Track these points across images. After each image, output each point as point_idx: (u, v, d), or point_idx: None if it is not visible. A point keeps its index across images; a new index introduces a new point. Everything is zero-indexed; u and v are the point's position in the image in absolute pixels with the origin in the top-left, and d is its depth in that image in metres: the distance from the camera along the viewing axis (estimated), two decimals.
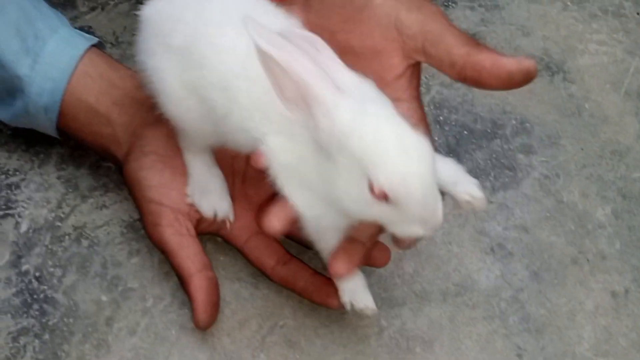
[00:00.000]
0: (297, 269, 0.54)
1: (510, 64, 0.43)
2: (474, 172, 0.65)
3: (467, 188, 0.46)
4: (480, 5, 0.79)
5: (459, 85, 0.71)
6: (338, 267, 0.46)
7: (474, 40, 0.45)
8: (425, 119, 0.48)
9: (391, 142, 0.39)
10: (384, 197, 0.39)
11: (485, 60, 0.43)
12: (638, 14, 0.79)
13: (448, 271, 0.58)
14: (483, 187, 0.62)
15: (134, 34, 0.74)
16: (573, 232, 0.61)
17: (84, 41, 0.57)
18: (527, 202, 0.63)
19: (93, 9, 0.77)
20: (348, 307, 0.50)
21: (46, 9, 0.58)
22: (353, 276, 0.49)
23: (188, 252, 0.52)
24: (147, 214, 0.53)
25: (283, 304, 0.56)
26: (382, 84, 0.45)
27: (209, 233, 0.56)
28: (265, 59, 0.40)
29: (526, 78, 0.43)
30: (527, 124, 0.68)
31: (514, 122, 0.69)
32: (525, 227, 0.61)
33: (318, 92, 0.39)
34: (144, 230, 0.55)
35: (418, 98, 0.48)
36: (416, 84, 0.48)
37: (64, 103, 0.55)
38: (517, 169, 0.65)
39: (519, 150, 0.66)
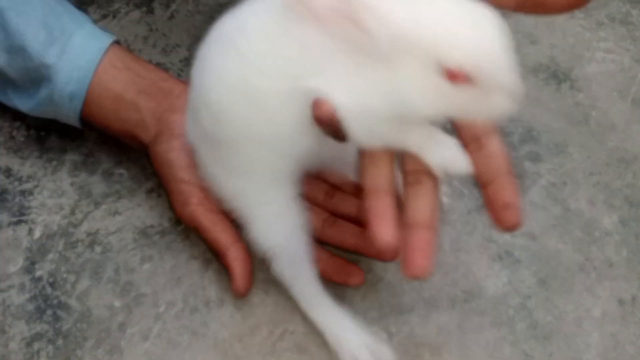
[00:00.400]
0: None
1: None
2: None
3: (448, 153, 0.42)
4: None
5: None
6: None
7: None
8: None
9: (458, 19, 0.36)
10: (463, 78, 0.36)
11: None
12: None
13: (456, 278, 0.59)
14: None
15: (145, 42, 0.75)
16: (580, 239, 0.61)
17: (108, 36, 0.60)
18: (534, 209, 0.63)
19: (104, 16, 0.78)
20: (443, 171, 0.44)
21: (70, 6, 0.60)
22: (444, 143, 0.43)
23: (222, 226, 0.54)
24: (178, 194, 0.55)
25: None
26: None
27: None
28: (303, 8, 0.37)
29: None
30: (534, 132, 0.69)
31: (521, 130, 0.69)
32: (532, 235, 0.62)
33: (364, 1, 0.36)
34: (173, 210, 0.57)
35: None
36: None
37: (90, 91, 0.57)
38: (525, 176, 0.66)
39: (526, 158, 0.67)
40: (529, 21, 0.79)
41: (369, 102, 0.39)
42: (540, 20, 0.79)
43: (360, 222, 0.58)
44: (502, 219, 0.43)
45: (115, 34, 0.62)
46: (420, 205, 0.44)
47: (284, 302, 0.56)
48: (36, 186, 0.63)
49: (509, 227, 0.43)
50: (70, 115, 0.59)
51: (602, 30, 0.78)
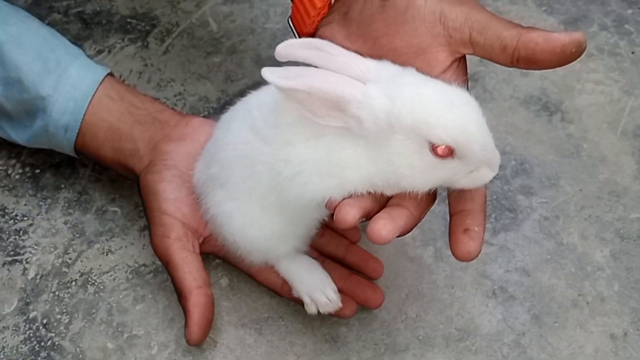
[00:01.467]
0: None
1: (562, 37, 0.42)
2: None
3: None
4: None
5: None
6: (380, 228, 0.43)
7: (519, 24, 0.45)
8: None
9: (436, 100, 0.41)
10: (448, 153, 0.41)
11: (537, 37, 0.43)
12: (633, 53, 0.80)
13: (451, 315, 0.59)
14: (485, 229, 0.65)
15: (140, 77, 0.76)
16: (573, 274, 0.62)
17: (103, 68, 0.61)
18: (527, 244, 0.63)
19: (100, 52, 0.79)
20: (313, 309, 0.52)
21: (64, 39, 0.62)
22: (313, 275, 0.51)
23: (191, 268, 0.53)
24: (158, 225, 0.55)
25: (287, 351, 0.56)
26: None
27: (213, 253, 0.58)
28: (289, 93, 0.42)
29: (578, 49, 0.43)
30: (527, 165, 0.70)
31: (513, 162, 0.70)
32: (526, 270, 0.62)
33: (346, 93, 0.41)
34: (150, 241, 0.56)
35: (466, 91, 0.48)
36: (463, 76, 0.49)
37: (84, 122, 0.58)
38: (518, 210, 0.66)
39: (519, 192, 0.67)
40: None
41: (368, 179, 0.44)
42: None
43: (347, 264, 0.58)
44: (460, 242, 0.45)
45: (110, 69, 0.63)
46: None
47: (278, 342, 0.56)
48: (30, 225, 0.63)
49: (465, 253, 0.45)
50: (65, 145, 0.60)
51: (591, 62, 0.79)
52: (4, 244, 0.62)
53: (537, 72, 0.78)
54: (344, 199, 0.45)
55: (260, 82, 0.80)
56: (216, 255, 0.59)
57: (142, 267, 0.60)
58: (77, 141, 0.59)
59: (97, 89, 0.59)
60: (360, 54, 0.46)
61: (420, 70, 0.46)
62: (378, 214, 0.44)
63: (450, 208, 0.47)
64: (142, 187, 0.57)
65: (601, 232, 0.65)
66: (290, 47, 0.45)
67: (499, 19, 0.45)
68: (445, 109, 0.41)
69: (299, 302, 0.55)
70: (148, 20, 0.82)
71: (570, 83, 0.77)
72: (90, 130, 0.58)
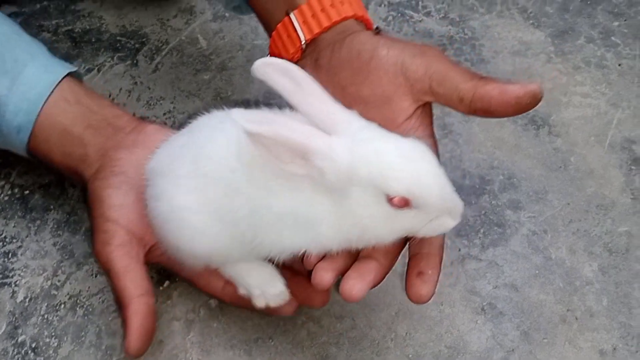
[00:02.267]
0: None
1: (517, 89, 0.45)
2: (464, 229, 0.66)
3: None
4: (466, 60, 0.81)
5: (447, 140, 0.73)
6: (351, 288, 0.45)
7: (478, 74, 0.47)
8: (438, 153, 0.50)
9: (392, 153, 0.43)
10: (405, 204, 0.43)
11: (492, 90, 0.45)
12: (620, 65, 0.81)
13: (440, 333, 0.59)
14: (473, 245, 0.65)
15: (129, 95, 0.76)
16: (562, 289, 0.62)
17: (62, 69, 0.59)
18: (516, 259, 0.64)
19: (89, 70, 0.79)
20: (262, 302, 0.51)
21: (26, 36, 0.60)
22: (261, 269, 0.51)
23: (132, 276, 0.51)
24: (101, 232, 0.53)
25: None
26: (394, 126, 0.48)
27: (159, 262, 0.56)
28: (255, 138, 0.43)
29: (533, 101, 0.45)
30: (515, 179, 0.70)
31: (501, 177, 0.70)
32: (515, 286, 0.62)
33: (309, 145, 0.43)
34: (92, 249, 0.54)
35: (431, 135, 0.51)
36: (428, 122, 0.51)
37: (37, 124, 0.57)
38: (506, 225, 0.66)
39: (507, 206, 0.68)
40: (506, 67, 0.80)
41: (341, 234, 0.45)
42: (518, 65, 0.81)
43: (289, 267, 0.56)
44: (413, 285, 0.47)
45: (99, 90, 0.62)
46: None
47: None
48: (20, 247, 0.63)
49: (417, 296, 0.47)
50: (17, 146, 0.58)
51: (578, 75, 0.80)
52: None
53: None
54: (318, 262, 0.47)
55: (250, 100, 0.80)
56: (161, 264, 0.57)
57: None
58: (29, 143, 0.57)
59: (53, 90, 0.57)
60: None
61: (386, 117, 0.47)
62: (348, 273, 0.46)
63: (409, 250, 0.49)
64: (89, 194, 0.56)
65: (589, 246, 0.65)
66: (269, 67, 0.45)
67: (457, 69, 0.47)
68: (400, 161, 0.43)
69: (289, 323, 0.55)
70: (137, 38, 0.82)
71: (557, 96, 0.78)
72: (43, 133, 0.57)
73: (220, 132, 0.48)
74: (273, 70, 0.45)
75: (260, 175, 0.45)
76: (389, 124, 0.47)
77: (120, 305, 0.51)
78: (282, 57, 0.53)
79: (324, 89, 0.45)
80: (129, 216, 0.53)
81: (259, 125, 0.42)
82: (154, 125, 0.58)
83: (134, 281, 0.51)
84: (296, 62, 0.55)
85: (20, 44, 0.58)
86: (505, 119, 0.75)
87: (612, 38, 0.84)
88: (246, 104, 0.77)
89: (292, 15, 0.54)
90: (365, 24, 0.56)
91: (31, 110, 0.56)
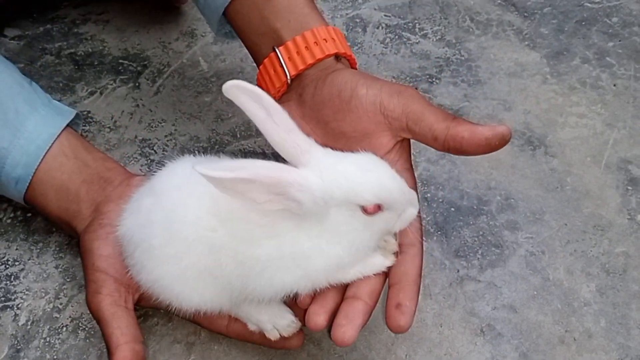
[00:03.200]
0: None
1: (486, 131, 0.49)
2: (462, 250, 0.66)
3: None
4: (462, 81, 0.82)
5: (444, 161, 0.74)
6: (342, 335, 0.48)
7: (451, 114, 0.51)
8: (416, 186, 0.54)
9: (355, 171, 0.48)
10: (377, 209, 0.48)
11: (464, 132, 0.49)
12: (615, 85, 0.82)
13: (440, 355, 0.59)
14: (471, 266, 0.65)
15: (131, 118, 0.77)
16: (560, 310, 0.62)
17: (61, 120, 0.60)
18: (514, 280, 0.64)
19: (92, 93, 0.80)
20: (275, 334, 0.54)
21: (27, 84, 0.61)
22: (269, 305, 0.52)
23: (120, 323, 0.53)
24: (92, 282, 0.55)
25: None
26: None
27: (153, 307, 0.57)
28: (226, 184, 0.45)
29: (502, 142, 0.49)
30: (512, 200, 0.71)
31: (498, 197, 0.71)
32: (513, 307, 0.62)
33: (285, 179, 0.45)
34: (85, 299, 0.55)
35: (410, 169, 0.54)
36: (406, 156, 0.55)
37: (35, 178, 0.58)
38: (504, 246, 0.67)
39: (504, 227, 0.68)
40: (503, 87, 0.82)
41: (334, 263, 0.48)
42: (514, 86, 0.82)
43: None
44: (392, 316, 0.49)
45: (101, 113, 0.63)
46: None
47: None
48: (22, 270, 0.64)
49: (396, 327, 0.49)
50: (15, 196, 0.60)
51: (574, 95, 0.81)
52: None
53: (520, 106, 0.80)
54: (310, 306, 0.49)
55: (250, 122, 0.81)
56: (156, 308, 0.58)
57: None
58: (26, 194, 0.59)
59: (52, 144, 0.58)
60: (314, 134, 0.50)
61: (367, 151, 0.51)
62: (338, 319, 0.48)
63: (389, 279, 0.51)
64: (81, 246, 0.57)
65: (587, 267, 0.65)
66: (239, 89, 0.47)
67: (432, 110, 0.51)
68: (363, 175, 0.47)
69: (287, 345, 0.55)
70: (139, 61, 0.83)
71: (553, 117, 0.79)
72: (40, 187, 0.58)
73: (188, 194, 0.49)
74: (243, 94, 0.47)
75: (242, 227, 0.47)
76: None
77: (108, 351, 0.53)
78: (269, 90, 0.57)
79: (309, 122, 0.49)
80: (116, 266, 0.54)
81: (233, 171, 0.44)
82: (138, 177, 0.60)
83: (120, 328, 0.53)
84: (282, 96, 0.58)
85: (22, 93, 0.59)
86: None
87: (607, 58, 0.85)
88: (246, 126, 0.78)
89: (278, 51, 0.57)
90: (349, 60, 0.60)
91: (30, 163, 0.58)
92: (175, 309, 0.53)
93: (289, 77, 0.57)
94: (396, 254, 0.52)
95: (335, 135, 0.54)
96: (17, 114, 0.58)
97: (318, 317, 0.49)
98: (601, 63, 0.84)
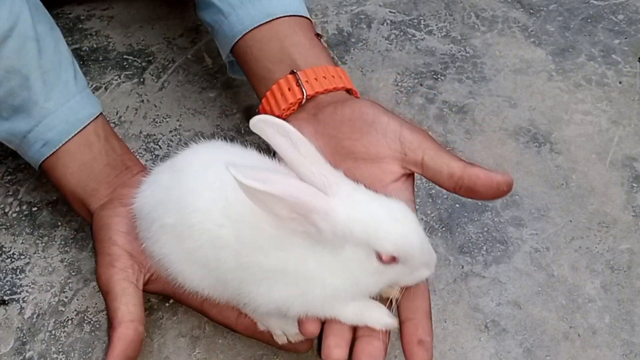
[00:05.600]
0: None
1: (499, 176, 0.50)
2: (467, 246, 0.66)
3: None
4: (468, 78, 0.82)
5: None
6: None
7: (462, 159, 0.53)
8: (416, 215, 0.53)
9: (383, 216, 0.47)
10: (392, 260, 0.47)
11: (479, 172, 0.51)
12: (620, 82, 0.82)
13: (444, 350, 0.59)
14: (476, 262, 0.66)
15: (136, 113, 0.77)
16: (564, 306, 0.62)
17: (99, 105, 0.63)
18: (518, 276, 0.64)
19: (97, 89, 0.80)
20: (283, 339, 0.54)
21: (77, 65, 0.63)
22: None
23: (129, 300, 0.53)
24: (106, 254, 0.55)
25: None
26: (381, 185, 0.52)
27: (159, 292, 0.58)
28: (254, 193, 0.45)
29: (508, 189, 0.51)
30: (517, 196, 0.71)
31: None
32: (517, 303, 0.62)
33: (313, 205, 0.45)
34: (95, 272, 0.56)
35: (413, 200, 0.55)
36: (411, 189, 0.55)
37: (64, 147, 0.59)
38: (508, 242, 0.67)
39: (509, 224, 0.68)
40: (508, 85, 0.81)
41: (330, 295, 0.48)
42: (519, 83, 0.82)
43: None
44: (414, 353, 0.49)
45: (106, 108, 0.64)
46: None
47: None
48: (27, 263, 0.64)
49: None
50: (33, 157, 0.60)
51: (579, 92, 0.81)
52: (1, 283, 0.63)
53: (525, 103, 0.80)
54: (327, 338, 0.49)
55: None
56: (163, 294, 0.58)
57: None
58: (46, 160, 0.60)
59: (91, 121, 0.60)
60: (324, 151, 0.50)
61: (374, 175, 0.52)
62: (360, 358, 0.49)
63: (399, 314, 0.52)
64: (95, 221, 0.58)
65: (592, 264, 0.65)
66: (266, 125, 0.48)
67: (447, 152, 0.53)
68: (389, 223, 0.47)
69: (295, 349, 0.55)
70: (144, 56, 0.83)
71: (558, 114, 0.78)
72: (65, 157, 0.59)
73: (205, 185, 0.49)
74: (269, 128, 0.48)
75: (249, 232, 0.47)
76: (376, 182, 0.52)
77: (109, 326, 0.53)
78: (278, 106, 0.59)
79: (318, 150, 0.48)
80: (133, 244, 0.55)
81: (264, 183, 0.44)
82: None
83: (128, 306, 0.53)
84: (291, 114, 0.59)
85: (70, 71, 0.62)
86: (507, 136, 0.76)
87: (613, 56, 0.85)
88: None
89: (297, 73, 0.59)
90: (355, 96, 0.62)
91: (66, 131, 0.59)
92: (180, 295, 0.53)
93: (305, 95, 0.58)
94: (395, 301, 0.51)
95: (345, 154, 0.54)
96: (67, 85, 0.60)
97: (338, 349, 0.49)
98: (607, 60, 0.84)
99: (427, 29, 0.87)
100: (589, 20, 0.89)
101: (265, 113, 0.59)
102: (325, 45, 0.65)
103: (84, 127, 0.60)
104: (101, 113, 0.62)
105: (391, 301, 0.50)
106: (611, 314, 0.62)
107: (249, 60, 0.63)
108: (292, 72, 0.60)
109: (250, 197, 0.45)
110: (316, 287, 0.48)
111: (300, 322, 0.50)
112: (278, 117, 0.53)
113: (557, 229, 0.68)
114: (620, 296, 0.63)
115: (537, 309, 0.62)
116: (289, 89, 0.59)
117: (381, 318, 0.50)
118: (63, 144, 0.59)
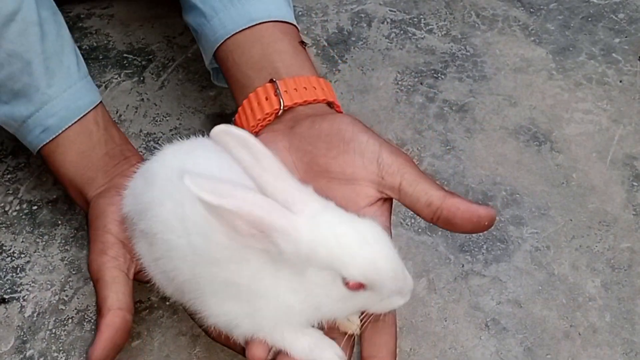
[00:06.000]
0: None
1: (481, 210, 0.47)
2: (467, 245, 0.66)
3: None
4: (468, 76, 0.82)
5: (449, 157, 0.74)
6: None
7: (443, 187, 0.50)
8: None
9: (351, 239, 0.43)
10: (359, 287, 0.44)
11: (459, 204, 0.47)
12: (621, 81, 0.82)
13: (444, 349, 0.59)
14: (476, 261, 0.65)
15: (136, 112, 0.77)
16: (565, 305, 0.62)
17: (99, 94, 0.63)
18: (519, 275, 0.64)
19: (97, 87, 0.80)
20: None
21: (78, 52, 0.63)
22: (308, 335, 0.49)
23: (118, 289, 0.53)
24: (99, 242, 0.55)
25: None
26: (355, 208, 0.49)
27: (149, 281, 0.56)
28: (213, 208, 0.42)
29: (490, 224, 0.48)
30: (517, 195, 0.71)
31: (504, 193, 0.71)
32: (518, 302, 0.62)
33: (273, 223, 0.42)
34: (87, 259, 0.55)
35: (389, 227, 0.51)
36: (387, 215, 0.51)
37: (63, 134, 0.59)
38: (509, 241, 0.67)
39: (509, 222, 0.68)
40: (508, 83, 0.81)
41: (283, 313, 0.45)
42: (519, 82, 0.82)
43: None
44: None
45: (106, 106, 0.64)
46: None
47: None
48: (28, 262, 0.64)
49: None
50: (31, 142, 0.60)
51: (579, 91, 0.81)
52: (1, 281, 0.63)
53: (525, 102, 0.80)
54: None
55: None
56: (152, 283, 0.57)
57: (138, 304, 0.61)
58: (45, 147, 0.60)
59: (91, 109, 0.60)
60: (295, 166, 0.48)
61: (347, 197, 0.49)
62: None
63: (362, 348, 0.49)
64: (91, 209, 0.58)
65: (592, 262, 0.65)
66: (227, 136, 0.44)
67: (426, 177, 0.49)
68: (357, 247, 0.43)
69: None
70: (144, 55, 0.83)
71: (559, 113, 0.78)
72: (64, 145, 0.59)
73: (167, 196, 0.49)
74: (232, 140, 0.44)
75: (204, 243, 0.46)
76: (350, 204, 0.48)
77: (98, 312, 0.53)
78: (254, 116, 0.56)
79: (285, 164, 0.45)
80: (126, 233, 0.55)
81: (222, 197, 0.41)
82: None
83: (117, 294, 0.53)
84: (267, 125, 0.57)
85: (77, 58, 0.62)
86: (508, 135, 0.76)
87: (613, 55, 0.85)
88: None
89: (276, 83, 0.57)
90: (336, 110, 0.59)
91: (66, 117, 0.59)
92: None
93: (282, 106, 0.55)
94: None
95: (319, 171, 0.51)
96: (69, 72, 0.60)
97: None
98: (607, 59, 0.84)
99: (427, 28, 0.87)
100: (590, 19, 0.89)
101: (241, 122, 0.58)
102: (311, 54, 0.62)
103: (84, 115, 0.60)
104: (101, 102, 0.62)
105: (349, 336, 0.47)
106: (612, 312, 0.62)
107: (230, 66, 0.61)
108: (272, 81, 0.57)
109: (207, 209, 0.42)
110: (269, 305, 0.45)
111: (247, 344, 0.48)
112: (252, 127, 0.50)
113: (558, 228, 0.68)
114: (620, 295, 0.63)
115: (537, 307, 0.62)
116: (267, 98, 0.56)
117: (332, 359, 0.47)
118: (63, 131, 0.59)
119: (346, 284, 0.44)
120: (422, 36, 0.86)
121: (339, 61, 0.83)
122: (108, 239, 0.55)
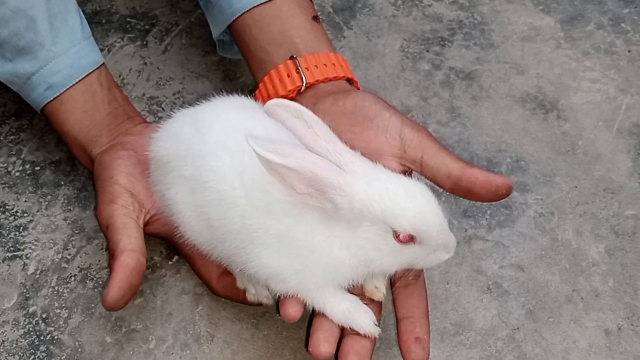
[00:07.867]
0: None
1: (499, 179, 0.50)
2: (471, 210, 0.66)
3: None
4: (475, 44, 0.81)
5: (455, 123, 0.73)
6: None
7: (462, 159, 0.52)
8: None
9: (401, 194, 0.46)
10: (410, 239, 0.47)
11: (478, 174, 0.50)
12: (629, 51, 0.81)
13: (446, 310, 0.59)
14: (479, 226, 0.65)
15: (139, 76, 0.77)
16: (567, 270, 0.62)
17: (101, 56, 0.63)
18: (522, 240, 0.64)
19: (100, 50, 0.79)
20: (253, 299, 0.55)
21: (82, 13, 0.63)
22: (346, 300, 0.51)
23: (130, 233, 0.53)
24: (107, 193, 0.55)
25: (283, 345, 0.57)
26: None
27: (157, 235, 0.58)
28: (272, 166, 0.45)
29: (507, 193, 0.50)
30: (522, 162, 0.70)
31: (509, 160, 0.70)
32: (520, 266, 0.62)
33: (330, 181, 0.45)
34: (95, 210, 0.56)
35: None
36: None
37: (67, 92, 0.60)
38: (513, 207, 0.66)
39: (514, 188, 0.67)
40: (516, 52, 0.80)
41: (334, 268, 0.48)
42: (527, 50, 0.81)
43: None
44: (411, 350, 0.50)
45: (109, 69, 0.64)
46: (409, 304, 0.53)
47: (274, 337, 0.57)
48: (30, 221, 0.64)
49: None
50: (35, 99, 0.60)
51: (587, 60, 0.80)
52: (4, 239, 0.63)
53: (532, 70, 0.79)
54: (316, 332, 0.49)
55: None
56: (160, 236, 0.58)
57: None
58: (49, 104, 0.60)
59: (95, 69, 0.61)
60: None
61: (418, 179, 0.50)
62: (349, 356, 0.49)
63: (396, 312, 0.52)
64: (97, 165, 0.58)
65: (596, 229, 0.65)
66: (281, 109, 0.49)
67: (447, 150, 0.52)
68: (407, 202, 0.46)
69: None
70: (147, 19, 0.82)
71: (566, 81, 0.78)
72: (69, 103, 0.60)
73: (224, 149, 0.49)
74: (285, 111, 0.48)
75: (261, 197, 0.47)
76: None
77: (111, 256, 0.52)
78: (273, 92, 0.58)
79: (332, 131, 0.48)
80: (135, 184, 0.56)
81: (283, 156, 0.44)
82: (154, 125, 0.61)
83: (130, 237, 0.53)
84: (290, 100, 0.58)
85: (77, 19, 0.61)
86: (514, 102, 0.75)
87: (622, 25, 0.83)
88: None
89: (297, 60, 0.58)
90: (355, 86, 0.61)
91: (71, 75, 0.59)
92: (175, 240, 0.54)
93: (304, 83, 0.57)
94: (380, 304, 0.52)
95: None
96: (73, 30, 0.60)
97: (326, 343, 0.48)
98: (616, 29, 0.83)
99: None
100: None
101: (262, 97, 0.59)
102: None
103: (88, 74, 0.60)
104: (104, 63, 0.62)
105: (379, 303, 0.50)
106: (615, 277, 0.62)
107: (247, 40, 0.62)
108: (292, 58, 0.58)
109: (267, 169, 0.45)
110: (320, 260, 0.47)
111: (282, 302, 0.49)
112: None
113: (562, 195, 0.67)
114: (624, 261, 0.63)
115: (540, 272, 0.62)
116: (288, 75, 0.58)
117: (365, 325, 0.50)
118: (67, 89, 0.59)
119: (397, 237, 0.46)
120: (429, 3, 0.85)
121: (345, 28, 0.82)
122: (116, 189, 0.55)
